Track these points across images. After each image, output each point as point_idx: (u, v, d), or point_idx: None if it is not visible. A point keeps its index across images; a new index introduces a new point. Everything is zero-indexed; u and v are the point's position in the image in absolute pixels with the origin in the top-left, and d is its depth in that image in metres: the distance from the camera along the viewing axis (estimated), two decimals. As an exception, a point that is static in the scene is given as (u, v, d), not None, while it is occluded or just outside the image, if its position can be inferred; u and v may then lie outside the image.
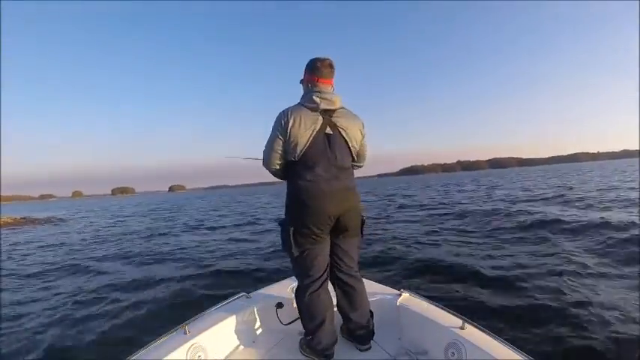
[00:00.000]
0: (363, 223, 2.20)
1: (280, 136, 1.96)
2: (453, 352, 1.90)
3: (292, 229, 1.99)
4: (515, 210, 11.56)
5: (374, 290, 2.56)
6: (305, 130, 1.93)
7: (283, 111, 1.98)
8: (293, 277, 2.72)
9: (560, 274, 4.66)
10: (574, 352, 2.92)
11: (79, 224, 20.03)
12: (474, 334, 1.90)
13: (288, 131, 1.92)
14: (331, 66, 2.04)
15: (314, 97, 1.98)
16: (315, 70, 2.03)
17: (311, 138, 1.93)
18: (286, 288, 2.69)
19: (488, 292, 4.26)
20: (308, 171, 1.96)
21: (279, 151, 2.01)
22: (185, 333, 2.02)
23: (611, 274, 4.71)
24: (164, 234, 12.56)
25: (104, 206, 49.95)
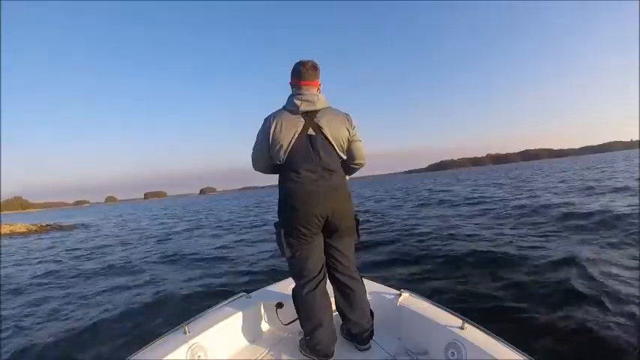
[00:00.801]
0: (357, 223, 2.19)
1: (264, 141, 2.00)
2: (453, 352, 1.88)
3: (283, 230, 2.02)
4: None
5: (374, 290, 2.55)
6: (287, 133, 1.94)
7: (267, 116, 2.02)
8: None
9: None
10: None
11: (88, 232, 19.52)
12: (474, 334, 1.89)
13: (271, 136, 1.95)
14: (314, 67, 2.05)
15: (294, 100, 2.00)
16: (298, 73, 2.03)
17: (293, 140, 1.95)
18: (286, 288, 2.67)
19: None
20: (293, 173, 1.97)
21: (265, 156, 2.04)
22: (185, 333, 2.04)
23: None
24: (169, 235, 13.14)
25: (129, 211, 51.45)
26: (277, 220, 2.09)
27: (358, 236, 2.22)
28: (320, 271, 2.10)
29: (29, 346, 3.79)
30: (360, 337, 2.17)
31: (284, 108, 2.03)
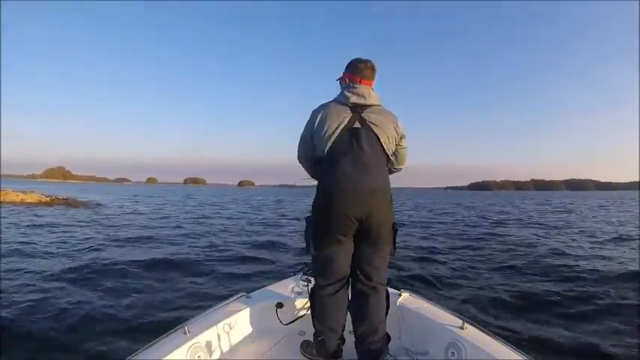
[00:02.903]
0: (395, 232, 2.03)
1: (309, 132, 1.99)
2: (453, 352, 1.89)
3: (313, 228, 1.97)
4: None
5: None
6: (332, 123, 1.91)
7: (317, 107, 2.02)
8: (293, 277, 2.84)
9: None
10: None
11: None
12: (474, 334, 1.90)
13: (316, 126, 1.94)
14: (373, 68, 2.04)
15: (345, 92, 1.98)
16: (355, 69, 2.03)
17: (337, 131, 1.90)
18: (286, 288, 2.69)
19: None
20: (333, 167, 1.90)
21: (308, 146, 2.04)
22: (185, 333, 2.04)
23: None
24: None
25: (160, 194, 51.14)
26: (312, 208, 2.02)
27: (394, 248, 2.06)
28: (344, 277, 2.03)
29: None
30: (363, 351, 2.00)
31: (333, 100, 2.01)
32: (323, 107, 1.98)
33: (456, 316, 2.06)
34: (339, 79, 2.13)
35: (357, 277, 2.03)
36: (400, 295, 2.44)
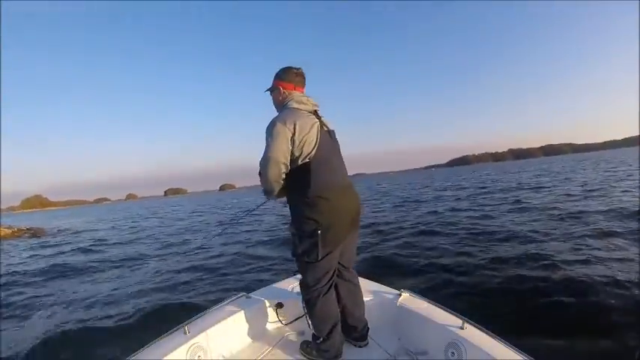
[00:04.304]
0: None
1: (288, 144, 1.88)
2: (453, 352, 1.89)
3: (320, 231, 1.89)
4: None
5: (374, 290, 2.57)
6: (309, 129, 1.91)
7: (278, 119, 1.93)
8: (293, 277, 2.80)
9: None
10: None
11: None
12: (474, 334, 1.90)
13: (296, 133, 1.87)
14: (304, 75, 2.12)
15: (302, 99, 2.01)
16: (298, 79, 2.09)
17: (318, 136, 1.93)
18: (286, 288, 2.69)
19: None
20: (324, 168, 1.93)
21: (287, 157, 1.92)
22: (185, 333, 2.05)
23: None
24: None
25: (132, 211, 49.53)
26: (300, 220, 1.96)
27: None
28: (335, 271, 2.10)
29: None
30: (360, 333, 2.21)
31: (290, 108, 1.99)
32: (292, 114, 1.94)
33: (456, 316, 2.07)
34: (271, 89, 2.14)
35: (343, 266, 2.17)
36: (400, 295, 2.44)
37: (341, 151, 2.14)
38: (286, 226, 12.42)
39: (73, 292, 6.08)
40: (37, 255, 11.29)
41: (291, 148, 1.90)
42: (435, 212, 11.92)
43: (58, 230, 21.77)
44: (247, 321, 2.40)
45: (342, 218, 1.96)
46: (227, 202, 46.05)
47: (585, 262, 4.91)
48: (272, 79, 2.13)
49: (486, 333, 1.88)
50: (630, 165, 29.53)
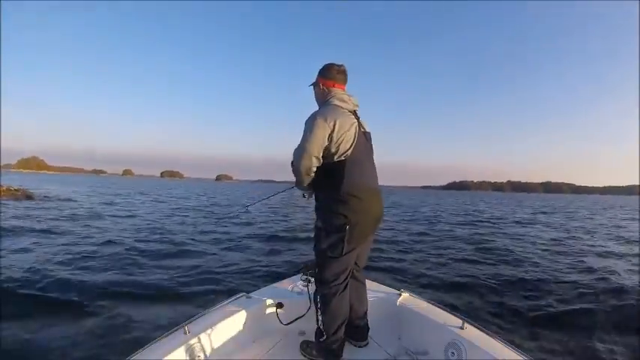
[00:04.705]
0: None
1: (325, 139, 1.92)
2: (453, 352, 1.90)
3: (349, 227, 1.93)
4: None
5: (374, 290, 2.57)
6: (348, 128, 1.95)
7: (319, 113, 1.96)
8: (293, 277, 2.82)
9: None
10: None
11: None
12: (474, 334, 1.91)
13: (336, 130, 1.91)
14: (346, 73, 2.12)
15: (344, 97, 2.04)
16: (341, 76, 2.10)
17: (356, 136, 1.96)
18: (286, 288, 2.69)
19: None
20: (357, 169, 1.97)
21: (320, 152, 1.95)
22: (185, 333, 2.03)
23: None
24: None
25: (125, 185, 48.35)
26: (329, 215, 1.99)
27: None
28: (351, 270, 2.14)
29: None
30: (361, 332, 2.24)
31: (333, 105, 2.01)
32: (333, 111, 1.96)
33: (456, 316, 2.07)
34: (314, 83, 2.15)
35: (356, 265, 2.20)
36: (400, 295, 2.45)
37: (374, 154, 2.17)
38: (283, 225, 12.63)
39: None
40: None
41: (328, 144, 1.92)
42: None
43: (45, 196, 21.03)
44: (247, 321, 2.38)
45: (368, 218, 2.01)
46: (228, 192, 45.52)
47: (584, 266, 5.51)
48: (311, 78, 2.17)
49: (486, 333, 1.89)
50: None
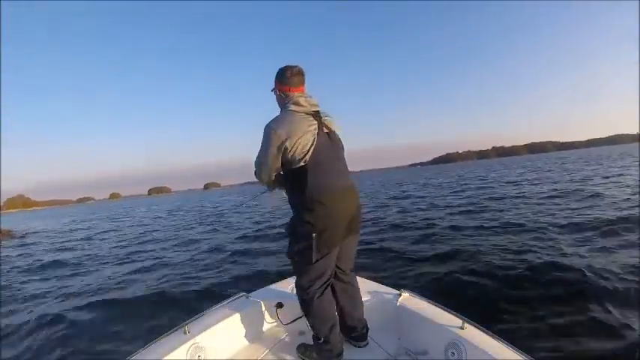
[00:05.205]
0: None
1: (278, 151, 1.90)
2: (453, 352, 1.90)
3: (315, 234, 1.89)
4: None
5: (374, 290, 2.57)
6: (304, 133, 1.90)
7: (271, 124, 1.93)
8: (293, 277, 2.63)
9: None
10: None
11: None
12: (474, 334, 1.90)
13: (286, 141, 1.87)
14: (303, 73, 2.06)
15: (299, 100, 1.98)
16: (297, 78, 2.03)
17: (314, 139, 1.91)
18: (286, 288, 2.69)
19: None
20: (320, 173, 1.92)
21: (277, 165, 1.96)
22: (185, 333, 2.04)
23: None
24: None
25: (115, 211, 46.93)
26: (296, 222, 1.99)
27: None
28: (331, 273, 2.10)
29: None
30: (359, 333, 2.22)
31: (288, 110, 1.97)
32: (285, 120, 1.94)
33: (456, 316, 2.07)
34: (275, 89, 2.09)
35: (340, 268, 2.17)
36: (400, 295, 2.44)
37: (342, 151, 2.14)
38: (281, 225, 12.29)
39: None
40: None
41: (282, 153, 1.90)
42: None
43: (26, 233, 21.19)
44: (247, 321, 2.39)
45: (338, 222, 1.96)
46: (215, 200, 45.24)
47: (584, 260, 4.96)
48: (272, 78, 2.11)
49: (486, 333, 1.88)
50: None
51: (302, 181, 1.92)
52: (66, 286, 6.49)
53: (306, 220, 1.92)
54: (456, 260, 5.56)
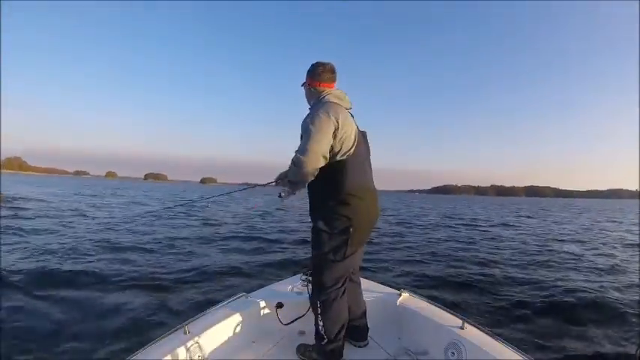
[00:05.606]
0: None
1: (333, 134, 1.84)
2: (453, 352, 1.91)
3: (352, 229, 1.88)
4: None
5: (374, 290, 2.58)
6: (350, 126, 1.90)
7: (322, 110, 1.87)
8: (293, 278, 2.84)
9: None
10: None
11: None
12: (474, 334, 1.92)
13: (338, 129, 1.85)
14: (334, 71, 2.06)
15: (340, 94, 1.99)
16: (332, 75, 2.04)
17: (357, 135, 1.92)
18: (286, 288, 2.69)
19: None
20: (359, 168, 1.93)
21: (327, 155, 1.86)
22: (185, 333, 2.03)
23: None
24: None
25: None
26: (330, 217, 1.92)
27: None
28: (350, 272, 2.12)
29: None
30: (360, 333, 2.24)
31: (333, 102, 1.94)
32: (334, 108, 1.89)
33: (456, 316, 2.09)
34: (306, 83, 2.08)
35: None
36: (400, 295, 2.47)
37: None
38: (278, 225, 12.50)
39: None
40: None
41: (332, 141, 1.85)
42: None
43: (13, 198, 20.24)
44: (247, 321, 2.38)
45: (370, 220, 1.99)
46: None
47: (582, 265, 5.45)
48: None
49: (486, 333, 1.90)
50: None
51: (341, 175, 1.88)
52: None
53: (344, 215, 1.88)
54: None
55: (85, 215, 14.05)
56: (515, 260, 7.69)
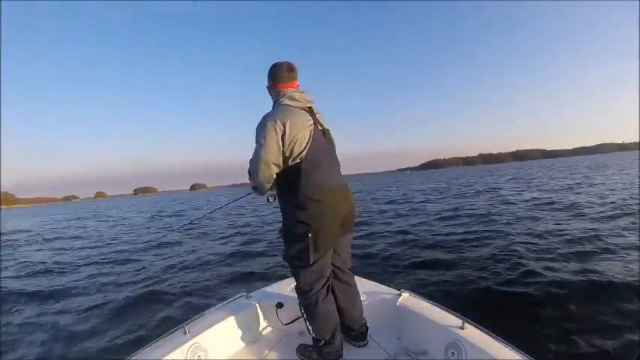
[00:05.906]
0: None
1: (279, 143, 1.82)
2: (453, 352, 1.89)
3: (311, 234, 1.85)
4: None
5: (374, 290, 2.57)
6: (301, 128, 1.86)
7: (268, 117, 1.87)
8: (293, 278, 2.62)
9: None
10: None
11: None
12: (474, 334, 1.90)
13: (285, 135, 1.81)
14: (294, 69, 2.02)
15: (294, 95, 1.94)
16: (290, 74, 2.00)
17: (311, 135, 1.88)
18: (286, 288, 2.68)
19: None
20: (315, 170, 1.87)
21: (278, 158, 1.85)
22: (185, 333, 2.04)
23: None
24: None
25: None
26: (290, 223, 1.93)
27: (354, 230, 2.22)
28: (330, 274, 2.07)
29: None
30: (359, 333, 2.21)
31: (285, 104, 1.91)
32: (283, 112, 1.87)
33: (456, 316, 2.07)
34: (269, 85, 2.06)
35: (337, 267, 2.14)
36: (400, 295, 2.44)
37: (335, 149, 2.10)
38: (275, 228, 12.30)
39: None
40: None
41: (281, 147, 1.84)
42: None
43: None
44: (247, 321, 2.39)
45: (333, 220, 1.93)
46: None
47: (583, 264, 4.99)
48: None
49: (486, 333, 1.89)
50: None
51: (296, 179, 1.86)
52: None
53: (300, 220, 1.86)
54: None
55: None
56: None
